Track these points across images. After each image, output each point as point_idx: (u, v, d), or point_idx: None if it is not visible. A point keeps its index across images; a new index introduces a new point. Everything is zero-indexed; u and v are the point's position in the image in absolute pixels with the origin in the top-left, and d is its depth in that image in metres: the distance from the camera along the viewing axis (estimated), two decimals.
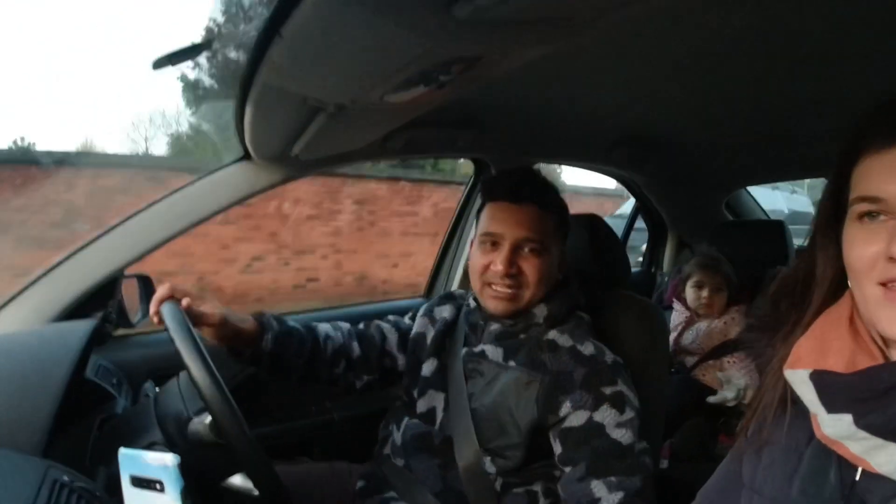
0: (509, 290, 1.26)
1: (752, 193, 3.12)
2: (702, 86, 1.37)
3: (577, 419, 1.15)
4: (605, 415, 1.15)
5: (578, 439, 1.15)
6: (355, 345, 1.41)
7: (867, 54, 1.11)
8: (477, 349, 1.31)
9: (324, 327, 1.41)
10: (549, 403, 1.18)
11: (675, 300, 2.50)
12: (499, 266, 1.24)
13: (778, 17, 0.97)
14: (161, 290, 1.12)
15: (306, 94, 0.89)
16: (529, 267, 1.26)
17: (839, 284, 0.75)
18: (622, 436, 1.14)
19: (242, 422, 0.95)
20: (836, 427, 0.68)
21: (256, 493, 0.99)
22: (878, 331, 0.68)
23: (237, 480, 1.11)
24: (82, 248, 1.42)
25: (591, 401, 1.16)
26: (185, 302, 1.11)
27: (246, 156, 1.46)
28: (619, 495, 1.09)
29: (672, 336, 2.38)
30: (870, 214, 0.68)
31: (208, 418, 0.99)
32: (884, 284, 0.66)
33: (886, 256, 0.65)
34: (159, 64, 0.83)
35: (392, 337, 1.46)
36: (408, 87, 0.81)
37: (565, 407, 1.17)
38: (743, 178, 2.90)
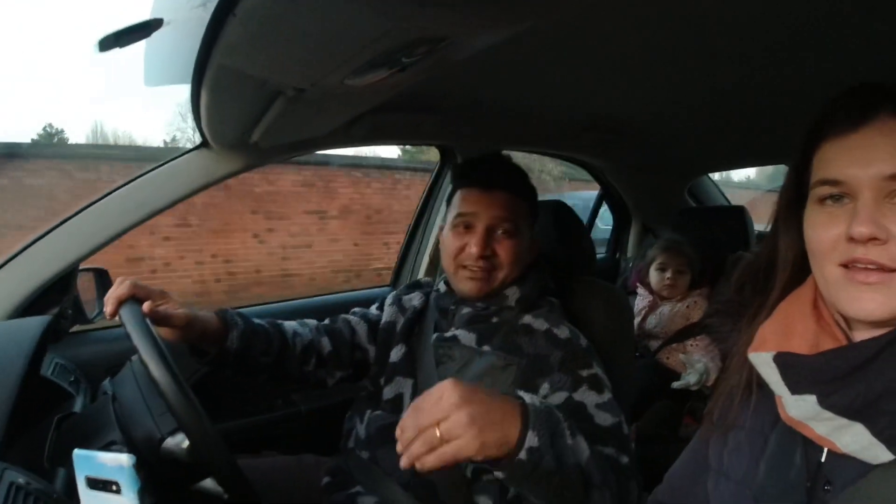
0: (483, 272, 1.27)
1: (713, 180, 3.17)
2: (666, 73, 1.37)
3: (556, 399, 1.15)
4: (585, 395, 1.15)
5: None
6: (325, 340, 1.39)
7: (828, 43, 1.13)
8: (448, 334, 1.31)
9: (290, 324, 1.38)
10: (527, 386, 1.17)
11: (638, 285, 2.54)
12: (473, 248, 1.26)
13: (742, 6, 0.97)
14: (120, 288, 1.07)
15: (264, 77, 0.86)
16: (503, 249, 1.28)
17: (802, 268, 0.76)
18: (603, 420, 1.13)
19: (219, 442, 0.92)
20: (800, 408, 0.69)
21: (226, 496, 0.97)
22: (840, 311, 0.70)
23: (206, 483, 1.09)
24: (35, 241, 1.36)
25: (569, 382, 1.17)
26: (146, 306, 1.05)
27: (204, 143, 1.42)
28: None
29: (636, 321, 2.42)
30: (831, 197, 0.69)
31: (186, 442, 0.96)
32: (844, 266, 0.67)
33: (846, 237, 0.66)
34: (105, 45, 0.78)
35: (361, 329, 1.44)
36: (370, 69, 0.79)
37: (544, 388, 1.18)
38: (705, 165, 2.96)
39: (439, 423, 0.79)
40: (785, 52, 1.20)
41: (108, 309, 1.06)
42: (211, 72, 0.88)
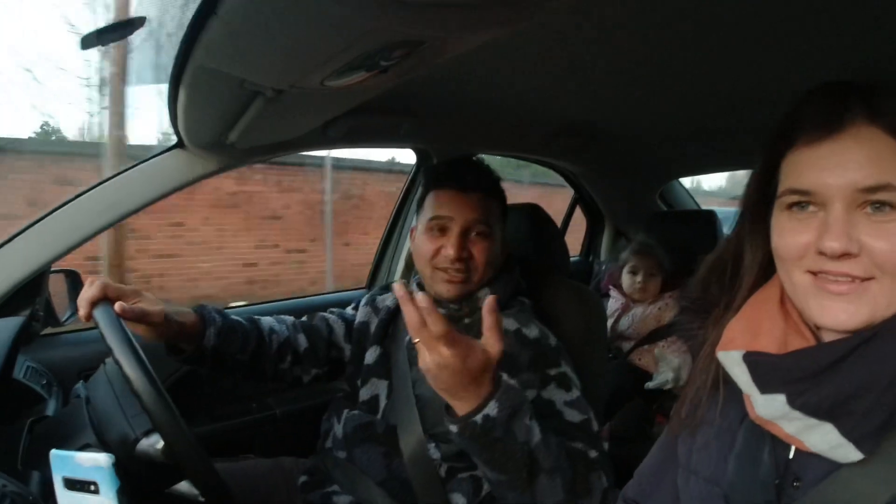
0: (460, 275, 1.27)
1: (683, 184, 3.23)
2: (638, 79, 1.39)
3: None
4: (553, 393, 1.18)
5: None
6: (302, 337, 1.39)
7: (799, 49, 1.14)
8: None
9: (267, 321, 1.37)
10: None
11: (611, 287, 2.58)
12: (450, 251, 1.26)
13: (710, 13, 0.98)
14: (92, 290, 1.06)
15: (243, 77, 0.86)
16: (478, 250, 1.28)
17: (768, 268, 0.76)
18: (572, 416, 1.16)
19: (193, 440, 0.92)
20: (769, 407, 0.69)
21: (202, 499, 0.96)
22: (810, 319, 0.70)
23: (182, 487, 1.08)
24: (5, 242, 1.34)
25: (537, 381, 1.19)
26: (118, 306, 1.04)
27: (179, 143, 1.41)
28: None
29: (609, 322, 2.45)
30: (799, 205, 0.69)
31: (160, 443, 0.96)
32: (813, 273, 0.67)
33: (816, 250, 0.66)
34: (87, 42, 0.78)
35: (338, 328, 1.44)
36: (349, 71, 0.79)
37: None
38: (676, 170, 3.00)
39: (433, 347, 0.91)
40: (757, 59, 1.21)
41: (81, 312, 1.05)
42: (189, 72, 0.87)
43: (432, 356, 0.90)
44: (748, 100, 1.53)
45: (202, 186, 6.64)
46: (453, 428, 0.95)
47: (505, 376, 0.98)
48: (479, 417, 0.92)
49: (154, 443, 0.97)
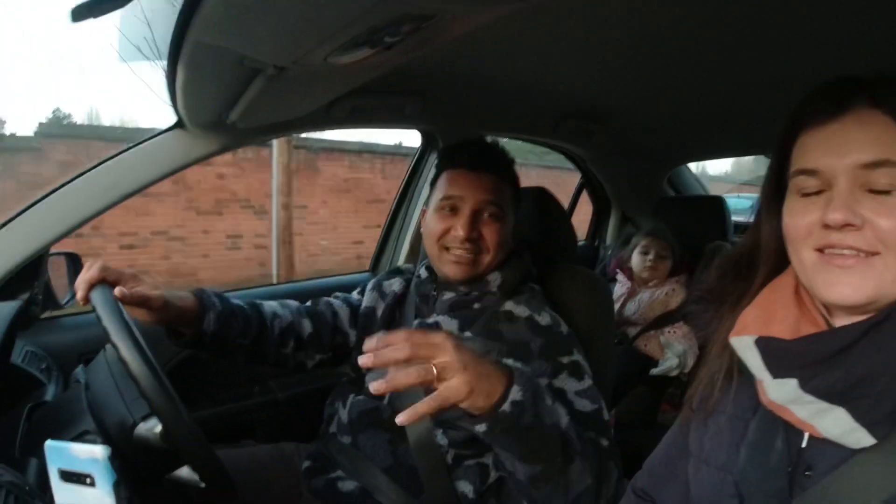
0: (469, 255, 1.26)
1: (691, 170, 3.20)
2: (648, 62, 1.38)
3: None
4: (565, 382, 1.16)
5: None
6: (306, 322, 1.37)
7: (810, 36, 1.14)
8: (430, 320, 1.30)
9: (270, 305, 1.36)
10: None
11: (618, 271, 2.57)
12: (460, 231, 1.25)
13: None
14: (91, 272, 1.04)
15: (244, 54, 0.83)
16: (489, 232, 1.27)
17: (783, 257, 0.77)
18: (583, 406, 1.14)
19: (192, 424, 0.91)
20: (781, 392, 0.70)
21: (203, 485, 0.95)
22: (818, 296, 0.71)
23: (182, 472, 1.07)
24: (4, 224, 1.32)
25: (549, 369, 1.17)
26: (118, 291, 1.02)
27: (179, 123, 1.38)
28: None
29: (615, 307, 2.43)
30: (808, 187, 0.71)
31: (158, 427, 0.94)
32: (819, 250, 0.69)
33: (821, 224, 0.68)
34: (78, 14, 0.75)
35: (343, 313, 1.43)
36: (354, 47, 0.77)
37: None
38: (684, 155, 2.98)
39: (434, 359, 0.79)
40: (766, 43, 1.21)
41: (78, 294, 1.04)
42: (187, 48, 0.85)
43: (459, 373, 0.79)
44: (757, 85, 1.53)
45: (321, 173, 8.45)
46: (482, 427, 0.87)
47: (511, 361, 0.95)
48: (507, 405, 0.86)
49: (152, 427, 0.95)
